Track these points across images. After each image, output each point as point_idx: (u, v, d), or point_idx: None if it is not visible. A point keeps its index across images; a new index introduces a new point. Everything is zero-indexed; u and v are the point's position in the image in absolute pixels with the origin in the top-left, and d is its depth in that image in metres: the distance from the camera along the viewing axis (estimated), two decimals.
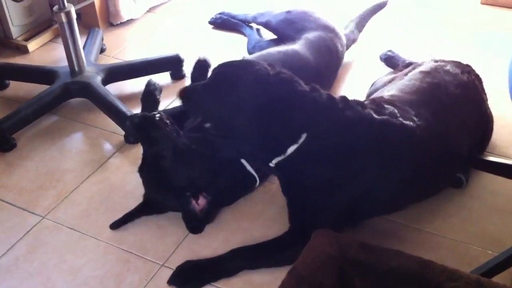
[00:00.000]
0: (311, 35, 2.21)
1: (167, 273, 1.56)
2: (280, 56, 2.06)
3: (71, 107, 2.20)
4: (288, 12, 2.40)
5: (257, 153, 1.54)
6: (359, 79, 2.32)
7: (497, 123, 1.94)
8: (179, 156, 1.66)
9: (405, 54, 2.38)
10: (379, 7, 2.62)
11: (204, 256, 1.62)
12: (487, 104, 1.90)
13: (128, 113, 2.00)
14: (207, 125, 1.57)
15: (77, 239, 1.69)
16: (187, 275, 1.55)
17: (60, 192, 1.85)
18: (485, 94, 1.90)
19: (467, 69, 1.87)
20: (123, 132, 2.05)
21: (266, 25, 2.47)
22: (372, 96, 1.85)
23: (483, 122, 1.85)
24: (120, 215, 1.74)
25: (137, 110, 1.99)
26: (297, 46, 2.15)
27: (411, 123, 1.58)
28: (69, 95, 2.17)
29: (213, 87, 1.54)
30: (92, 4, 2.59)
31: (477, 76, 1.91)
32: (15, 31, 2.55)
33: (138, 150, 2.00)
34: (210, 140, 1.56)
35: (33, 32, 2.61)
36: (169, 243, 1.66)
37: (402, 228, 1.71)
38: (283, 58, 2.04)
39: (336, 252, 1.36)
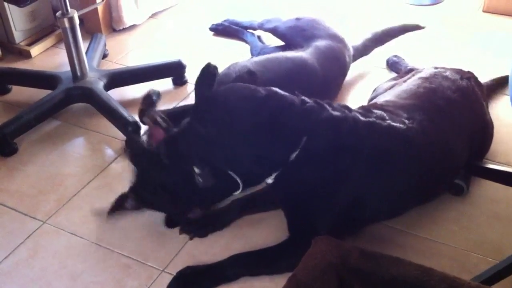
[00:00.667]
0: (320, 43, 2.20)
1: (167, 279, 1.56)
2: (288, 65, 2.07)
3: (73, 112, 2.20)
4: (298, 19, 2.39)
5: (257, 171, 1.56)
6: (363, 86, 2.32)
7: (498, 130, 1.94)
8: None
9: (411, 59, 2.39)
10: (411, 28, 2.53)
11: (204, 262, 1.62)
12: (487, 110, 1.90)
13: (130, 119, 2.01)
14: (197, 171, 1.55)
15: (77, 244, 1.69)
16: (187, 281, 1.55)
17: (61, 197, 1.85)
18: (486, 101, 1.90)
19: (467, 75, 1.88)
20: (124, 138, 2.05)
21: (274, 31, 2.45)
22: (371, 102, 1.86)
23: (482, 128, 1.85)
24: (121, 220, 1.75)
25: None
26: (305, 54, 2.14)
27: (401, 125, 1.58)
28: (71, 100, 2.17)
29: (207, 118, 1.54)
30: (95, 9, 2.60)
31: (477, 82, 1.91)
32: (18, 36, 2.56)
33: None
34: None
35: (36, 37, 2.62)
36: (169, 249, 1.66)
37: (402, 235, 1.71)
38: (291, 67, 2.05)
39: (337, 259, 1.36)
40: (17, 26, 2.54)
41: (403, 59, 2.40)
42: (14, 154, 2.02)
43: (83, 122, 2.16)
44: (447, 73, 1.85)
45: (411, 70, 2.17)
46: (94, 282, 1.58)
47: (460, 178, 1.79)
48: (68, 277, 1.60)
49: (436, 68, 1.91)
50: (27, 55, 2.55)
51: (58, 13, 2.07)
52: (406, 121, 1.61)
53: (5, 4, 2.43)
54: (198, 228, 1.70)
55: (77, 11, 2.10)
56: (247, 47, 2.56)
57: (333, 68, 2.16)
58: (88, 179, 1.92)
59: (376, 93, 2.04)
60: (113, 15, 2.70)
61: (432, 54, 2.53)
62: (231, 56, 2.52)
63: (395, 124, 1.58)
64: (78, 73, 2.17)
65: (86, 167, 1.97)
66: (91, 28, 2.68)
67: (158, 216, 1.75)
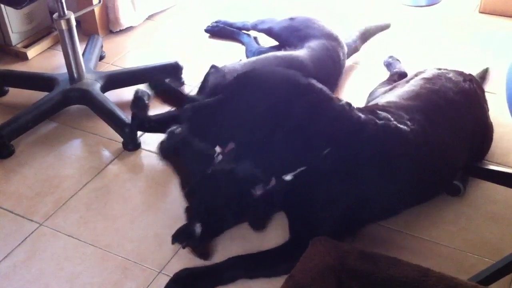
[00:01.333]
0: (314, 43, 2.21)
1: (165, 280, 1.56)
2: (277, 61, 2.06)
3: (70, 114, 2.20)
4: (292, 19, 2.40)
5: (280, 165, 1.50)
6: (360, 87, 2.32)
7: (496, 130, 1.94)
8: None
9: (410, 60, 2.41)
10: (385, 27, 2.63)
11: (201, 263, 1.61)
12: (488, 113, 1.90)
13: (127, 120, 2.01)
14: (219, 157, 1.48)
15: (75, 246, 1.69)
16: (184, 283, 1.55)
17: (58, 199, 1.85)
18: (486, 104, 1.90)
19: (469, 78, 1.88)
20: (121, 139, 2.05)
21: (268, 32, 2.46)
22: (369, 104, 1.86)
23: (483, 131, 1.85)
24: (118, 222, 1.75)
25: None
26: (298, 53, 2.15)
27: (405, 127, 1.59)
28: (68, 102, 2.17)
29: (238, 97, 1.44)
30: (92, 11, 2.60)
31: (479, 85, 1.91)
32: (15, 38, 2.56)
33: (136, 157, 2.01)
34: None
35: (32, 39, 2.61)
36: (167, 251, 1.66)
37: (400, 236, 1.71)
38: (280, 63, 2.04)
39: (335, 260, 1.36)
40: (14, 28, 2.53)
41: (397, 60, 2.40)
42: (11, 156, 2.02)
43: (80, 124, 2.16)
44: (450, 75, 1.85)
45: (400, 74, 2.23)
46: (92, 283, 1.58)
47: (457, 179, 1.79)
48: (65, 279, 1.59)
49: (439, 69, 1.91)
50: (23, 57, 2.55)
51: (55, 15, 2.07)
52: (408, 122, 1.61)
53: (2, 6, 2.43)
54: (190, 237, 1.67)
55: (74, 12, 2.10)
56: (243, 48, 2.56)
57: (326, 67, 2.16)
58: (85, 181, 1.91)
59: (373, 97, 2.04)
60: (110, 16, 2.70)
61: (431, 55, 2.53)
62: (227, 57, 2.52)
63: (400, 126, 1.58)
64: (75, 75, 2.17)
65: (83, 169, 1.97)
66: (88, 30, 2.67)
67: (155, 218, 1.75)
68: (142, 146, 2.06)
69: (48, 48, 2.63)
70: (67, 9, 2.07)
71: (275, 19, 2.47)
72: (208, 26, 2.74)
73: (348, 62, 2.41)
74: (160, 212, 1.80)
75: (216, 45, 2.66)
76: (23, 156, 2.02)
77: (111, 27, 2.73)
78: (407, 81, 1.91)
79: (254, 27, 2.57)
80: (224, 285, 1.56)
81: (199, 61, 2.52)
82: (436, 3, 2.96)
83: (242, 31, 2.64)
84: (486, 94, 1.96)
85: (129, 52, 2.62)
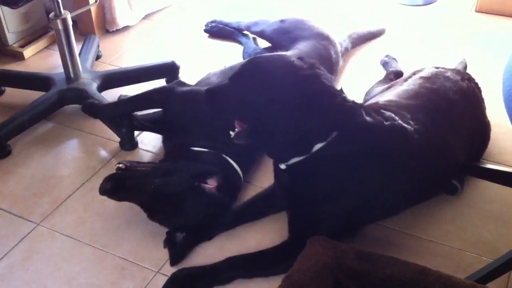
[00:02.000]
0: (303, 45, 2.22)
1: (162, 280, 1.56)
2: None
3: (66, 114, 2.20)
4: (282, 21, 2.41)
5: (281, 147, 1.51)
6: (356, 86, 2.32)
7: (493, 129, 1.95)
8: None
9: (408, 60, 2.41)
10: (377, 34, 2.69)
11: (199, 263, 1.61)
12: (485, 112, 1.90)
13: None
14: (232, 133, 1.54)
15: (72, 247, 1.69)
16: (182, 283, 1.55)
17: (56, 199, 1.84)
18: (484, 103, 1.91)
19: (466, 77, 1.89)
20: (118, 139, 2.05)
21: (261, 34, 2.49)
22: (367, 103, 1.86)
23: (481, 130, 1.86)
24: (115, 222, 1.75)
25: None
26: (287, 53, 2.16)
27: (409, 127, 1.59)
28: (65, 102, 2.17)
29: (247, 78, 1.50)
30: (88, 11, 2.59)
31: (476, 84, 1.92)
32: (11, 37, 2.55)
33: (133, 157, 2.00)
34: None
35: (29, 38, 2.61)
36: (164, 251, 1.66)
37: (397, 235, 1.71)
38: None
39: (332, 260, 1.36)
40: (10, 28, 2.53)
41: (394, 59, 2.41)
42: (8, 156, 2.01)
43: (77, 124, 2.15)
44: (448, 74, 1.85)
45: (396, 73, 2.23)
46: (89, 284, 1.58)
47: (455, 178, 1.79)
48: (63, 279, 1.59)
49: (436, 68, 1.91)
50: (20, 57, 2.54)
51: (51, 15, 2.07)
52: (411, 122, 1.61)
53: None
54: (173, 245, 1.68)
55: (70, 12, 2.09)
56: (240, 48, 2.56)
57: None
58: (82, 181, 1.91)
59: (370, 96, 2.04)
60: (107, 16, 2.70)
61: (428, 55, 2.54)
62: (224, 56, 2.52)
63: (405, 126, 1.58)
64: (72, 75, 2.17)
65: (80, 169, 1.97)
66: (84, 29, 2.67)
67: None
68: (139, 145, 2.06)
69: (45, 47, 2.63)
70: (64, 9, 2.07)
71: (268, 20, 2.48)
72: (207, 26, 2.73)
73: (344, 61, 2.41)
74: None
75: (213, 45, 2.66)
76: (20, 157, 2.02)
77: (107, 27, 2.73)
78: (405, 80, 1.91)
79: (247, 28, 2.58)
80: (222, 285, 1.56)
81: (197, 61, 2.52)
82: (432, 2, 2.97)
83: (242, 31, 2.63)
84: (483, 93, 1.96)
85: (125, 52, 2.62)
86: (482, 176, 1.86)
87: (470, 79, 1.89)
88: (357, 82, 2.36)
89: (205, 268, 1.58)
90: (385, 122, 1.55)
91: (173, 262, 1.62)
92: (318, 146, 1.48)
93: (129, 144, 2.03)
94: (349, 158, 1.50)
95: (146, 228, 1.73)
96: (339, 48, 2.34)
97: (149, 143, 2.07)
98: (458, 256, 1.64)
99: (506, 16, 2.82)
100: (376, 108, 1.63)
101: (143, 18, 2.85)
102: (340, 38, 2.46)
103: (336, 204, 1.54)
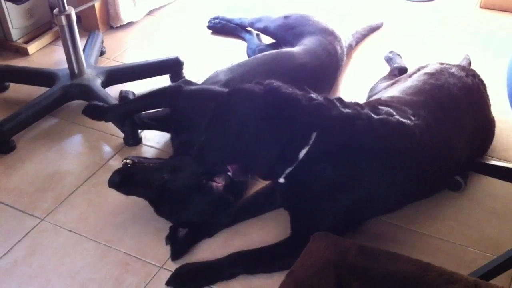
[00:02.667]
0: (309, 40, 2.21)
1: (166, 276, 1.56)
2: (267, 59, 2.08)
3: (70, 110, 2.20)
4: (286, 17, 2.40)
5: (271, 166, 1.53)
6: (360, 82, 2.32)
7: (497, 126, 1.94)
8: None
9: (411, 57, 2.41)
10: (376, 27, 2.71)
11: (202, 258, 1.62)
12: (490, 108, 1.90)
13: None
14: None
15: (76, 242, 1.69)
16: (185, 278, 1.55)
17: (59, 194, 1.85)
18: (489, 99, 1.90)
19: (471, 73, 1.88)
20: (122, 135, 2.05)
21: (264, 31, 2.48)
22: (371, 99, 1.85)
23: (485, 126, 1.85)
24: (119, 217, 1.75)
25: None
26: (293, 49, 2.16)
27: (408, 121, 1.58)
28: (69, 97, 2.17)
29: (214, 125, 1.56)
30: (92, 7, 2.59)
31: (481, 80, 1.91)
32: (15, 33, 2.56)
33: (137, 152, 2.01)
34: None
35: (33, 34, 2.61)
36: (168, 246, 1.66)
37: (400, 231, 1.71)
38: (271, 60, 2.05)
39: (335, 256, 1.36)
40: (14, 24, 2.53)
41: (398, 55, 2.40)
42: (12, 152, 2.02)
43: (80, 120, 2.16)
44: (453, 70, 1.84)
45: (400, 69, 2.23)
46: (93, 279, 1.58)
47: (458, 174, 1.79)
48: (66, 274, 1.60)
49: (441, 64, 1.91)
50: (24, 53, 2.55)
51: (55, 11, 2.07)
52: (412, 118, 1.60)
53: (2, 1, 2.43)
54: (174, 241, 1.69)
55: (74, 8, 2.10)
56: (243, 45, 2.56)
57: (323, 61, 2.16)
58: (86, 176, 1.92)
59: (374, 92, 2.04)
60: (110, 12, 2.70)
61: (431, 52, 2.53)
62: (228, 53, 2.52)
63: (403, 120, 1.58)
64: (76, 71, 2.17)
65: (84, 164, 1.97)
66: (88, 25, 2.67)
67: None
68: (143, 141, 2.06)
69: (49, 43, 2.63)
70: (68, 5, 2.07)
71: (271, 16, 2.47)
72: (210, 22, 2.73)
73: (348, 58, 2.40)
74: None
75: (217, 41, 2.66)
76: (24, 152, 2.02)
77: (111, 23, 2.73)
78: (410, 76, 1.91)
79: (251, 25, 2.57)
80: (225, 281, 1.56)
81: (200, 57, 2.52)
82: None
83: (245, 28, 2.63)
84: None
85: (129, 48, 2.62)
86: (486, 172, 1.86)
87: (475, 75, 1.88)
88: (361, 78, 2.35)
89: (209, 264, 1.59)
90: (373, 115, 1.55)
91: (174, 258, 1.63)
92: (303, 152, 1.49)
93: (133, 140, 2.03)
94: (338, 152, 1.51)
95: (150, 224, 1.73)
96: (344, 44, 2.34)
97: (153, 139, 2.07)
98: (461, 252, 1.64)
99: (511, 12, 2.80)
100: (374, 105, 1.63)
101: (147, 14, 2.85)
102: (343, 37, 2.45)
103: (334, 199, 1.55)
